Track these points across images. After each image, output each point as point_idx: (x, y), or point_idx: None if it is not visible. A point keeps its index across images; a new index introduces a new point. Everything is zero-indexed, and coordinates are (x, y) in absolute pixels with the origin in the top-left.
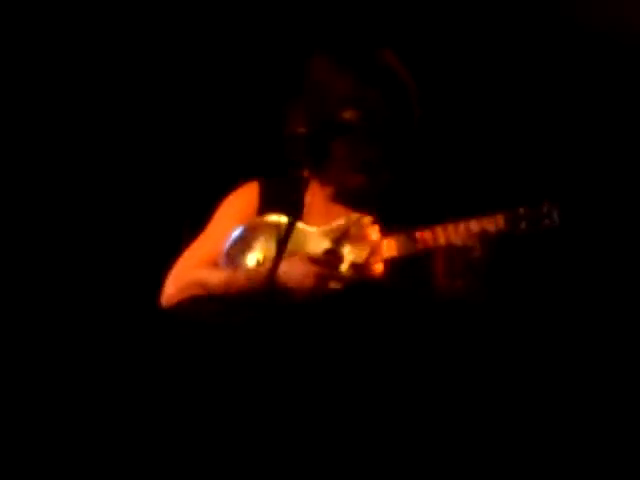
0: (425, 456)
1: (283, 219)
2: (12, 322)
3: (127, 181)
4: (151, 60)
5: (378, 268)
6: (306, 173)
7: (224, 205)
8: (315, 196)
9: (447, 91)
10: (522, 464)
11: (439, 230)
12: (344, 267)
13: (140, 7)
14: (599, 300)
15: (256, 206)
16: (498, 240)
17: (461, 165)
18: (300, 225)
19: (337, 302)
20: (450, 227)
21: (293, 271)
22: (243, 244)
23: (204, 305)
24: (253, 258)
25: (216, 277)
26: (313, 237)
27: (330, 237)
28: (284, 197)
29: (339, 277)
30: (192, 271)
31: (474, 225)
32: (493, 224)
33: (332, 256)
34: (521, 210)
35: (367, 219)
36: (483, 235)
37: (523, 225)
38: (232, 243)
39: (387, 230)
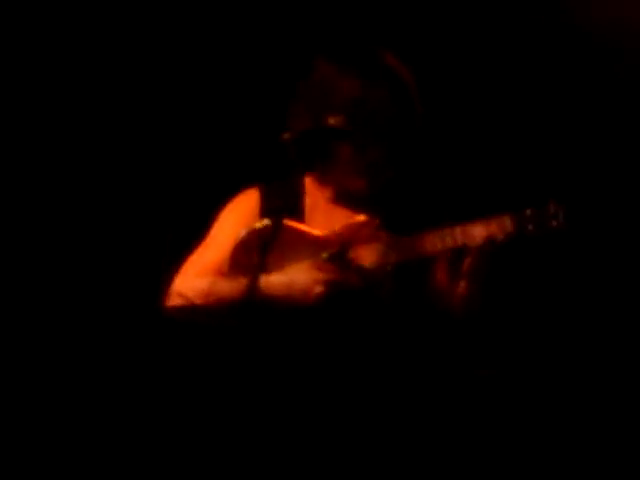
0: (416, 459)
1: (287, 222)
2: (9, 322)
3: (127, 186)
4: (150, 65)
5: (384, 273)
6: (305, 176)
7: (225, 212)
8: (317, 199)
9: (451, 92)
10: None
11: (445, 233)
12: (351, 272)
13: (141, 8)
14: (605, 303)
15: (257, 213)
16: (504, 242)
17: (465, 166)
18: (304, 229)
19: (345, 308)
20: (457, 229)
21: (300, 278)
22: (248, 250)
23: (205, 314)
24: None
25: (218, 288)
26: (317, 241)
27: (335, 241)
28: (284, 202)
29: (347, 283)
30: (196, 280)
31: (481, 227)
32: (500, 226)
33: (338, 261)
34: (528, 211)
35: (373, 222)
36: (490, 237)
37: (530, 227)
38: (237, 249)
39: (392, 233)
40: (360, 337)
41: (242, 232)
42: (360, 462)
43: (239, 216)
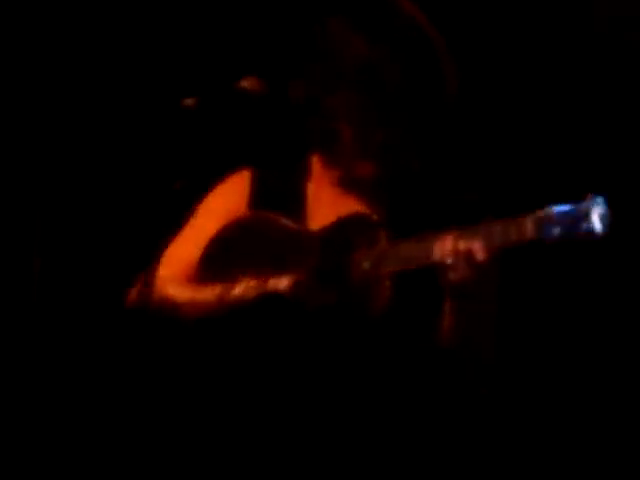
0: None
1: (274, 216)
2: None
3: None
4: (131, 28)
5: (384, 282)
6: (311, 157)
7: (208, 199)
8: (321, 185)
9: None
10: None
11: (455, 236)
12: (344, 278)
13: None
14: None
15: (246, 201)
16: (523, 250)
17: (489, 156)
18: (289, 223)
19: (334, 323)
20: (468, 232)
21: (281, 282)
22: (223, 249)
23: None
24: (235, 268)
25: (190, 298)
26: (310, 240)
27: (329, 240)
28: (281, 189)
29: (337, 291)
30: (167, 282)
31: (497, 230)
32: (519, 229)
33: (329, 264)
34: (553, 211)
35: (374, 220)
36: (504, 245)
37: (555, 230)
38: (212, 247)
39: (397, 235)
40: (350, 355)
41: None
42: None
43: (224, 204)
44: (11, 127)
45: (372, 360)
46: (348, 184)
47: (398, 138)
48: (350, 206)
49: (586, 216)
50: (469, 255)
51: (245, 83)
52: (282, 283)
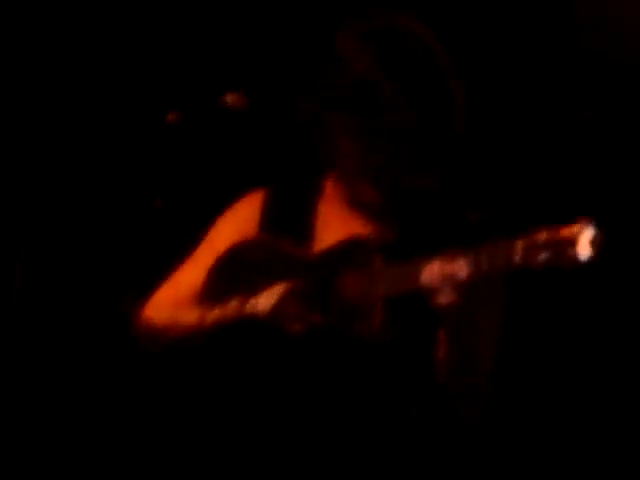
0: None
1: (278, 240)
2: None
3: (107, 185)
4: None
5: (375, 306)
6: (324, 177)
7: (220, 222)
8: (332, 204)
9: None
10: None
11: (442, 260)
12: (334, 304)
13: None
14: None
15: (257, 223)
16: (509, 276)
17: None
18: (287, 246)
19: (322, 349)
20: (456, 256)
21: (260, 303)
22: (224, 273)
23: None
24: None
25: (189, 320)
26: (306, 265)
27: (320, 263)
28: (292, 209)
29: (322, 314)
30: (173, 306)
31: (485, 254)
32: (505, 255)
33: (321, 289)
34: (540, 235)
35: (370, 243)
36: (491, 270)
37: (543, 256)
38: (214, 272)
39: (398, 257)
40: (338, 383)
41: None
42: None
43: (236, 228)
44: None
45: (361, 386)
46: (356, 204)
47: (399, 161)
48: (358, 226)
49: (575, 242)
50: (454, 277)
51: (229, 98)
52: (261, 304)
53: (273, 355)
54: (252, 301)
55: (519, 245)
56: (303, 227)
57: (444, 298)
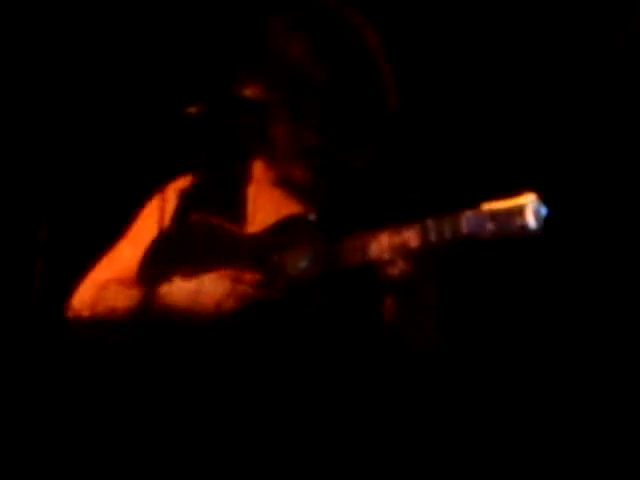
0: None
1: (215, 219)
2: None
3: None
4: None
5: (312, 284)
6: (251, 159)
7: (149, 205)
8: (262, 187)
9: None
10: None
11: (390, 232)
12: (278, 283)
13: None
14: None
15: (187, 206)
16: (457, 248)
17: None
18: (226, 225)
19: (261, 326)
20: (403, 228)
21: (209, 288)
22: (162, 253)
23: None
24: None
25: (127, 298)
26: (241, 242)
27: (265, 242)
28: (222, 192)
29: (265, 297)
30: (106, 287)
31: (432, 226)
32: (453, 226)
33: (264, 269)
34: (486, 207)
35: (310, 220)
36: (440, 241)
37: (490, 227)
38: (151, 252)
39: (334, 235)
40: (278, 361)
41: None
42: None
43: (163, 212)
44: (13, 131)
45: (309, 360)
46: (287, 185)
47: (334, 141)
48: (290, 208)
49: (520, 212)
50: (404, 249)
51: (248, 91)
52: (204, 286)
53: (218, 337)
54: (193, 283)
55: (465, 216)
56: (234, 210)
57: (395, 269)
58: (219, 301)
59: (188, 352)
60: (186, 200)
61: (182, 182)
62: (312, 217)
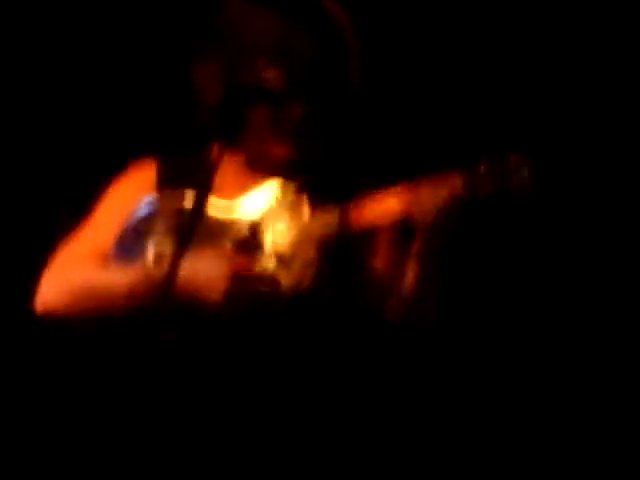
0: None
1: (188, 197)
2: None
3: None
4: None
5: (305, 258)
6: (217, 146)
7: (114, 187)
8: (227, 169)
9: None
10: None
11: (381, 199)
12: (268, 261)
13: None
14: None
15: (153, 187)
16: (454, 209)
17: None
18: (211, 206)
19: (257, 305)
20: (393, 195)
21: (200, 272)
22: (139, 233)
23: (93, 313)
24: (151, 251)
25: (108, 279)
26: (225, 221)
27: (247, 217)
28: (189, 174)
29: (260, 277)
30: (77, 270)
31: (425, 191)
32: (448, 188)
33: (250, 247)
34: (482, 167)
35: (291, 187)
36: (437, 203)
37: (486, 187)
38: (126, 231)
39: (317, 204)
40: (274, 341)
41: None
42: None
43: (132, 190)
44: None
45: (298, 339)
46: (258, 166)
47: (311, 119)
48: (257, 190)
49: (515, 171)
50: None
51: (268, 75)
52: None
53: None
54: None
55: (460, 176)
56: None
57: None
58: (214, 282)
59: (188, 338)
60: (151, 183)
61: (145, 165)
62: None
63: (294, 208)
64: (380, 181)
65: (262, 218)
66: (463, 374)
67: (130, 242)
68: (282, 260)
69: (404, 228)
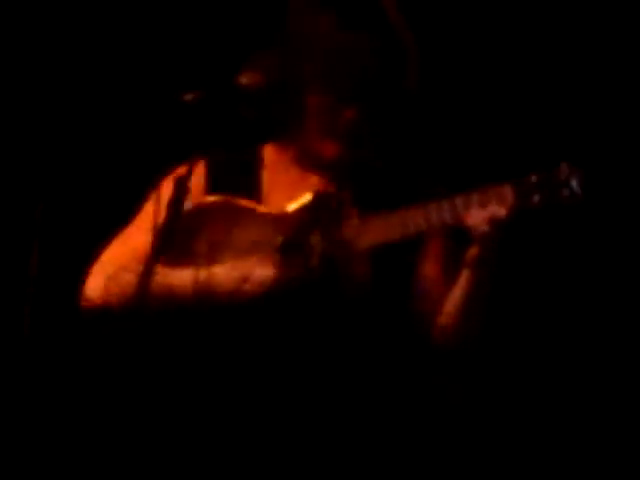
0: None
1: (236, 199)
2: None
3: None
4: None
5: (357, 263)
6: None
7: (162, 187)
8: (276, 171)
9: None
10: None
11: (431, 208)
12: (312, 262)
13: None
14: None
15: (202, 188)
16: (505, 219)
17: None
18: (254, 206)
19: (305, 308)
20: (445, 203)
21: (254, 273)
22: (186, 232)
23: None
24: (202, 249)
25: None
26: (272, 221)
27: (294, 221)
28: (236, 177)
29: (303, 278)
30: (123, 268)
31: (476, 200)
32: (499, 198)
33: (296, 249)
34: (533, 178)
35: (342, 197)
36: (487, 213)
37: (536, 198)
38: (167, 237)
39: (367, 212)
40: (323, 342)
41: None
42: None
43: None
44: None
45: (350, 342)
46: (308, 164)
47: (365, 120)
48: (307, 190)
49: (566, 182)
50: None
51: (244, 79)
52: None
53: (264, 320)
54: (237, 269)
55: (510, 187)
56: (250, 193)
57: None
58: (265, 287)
59: (232, 339)
60: (200, 183)
61: (195, 164)
62: (344, 195)
63: (343, 213)
64: (433, 189)
65: (312, 221)
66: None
67: (176, 243)
68: (332, 267)
69: (456, 237)
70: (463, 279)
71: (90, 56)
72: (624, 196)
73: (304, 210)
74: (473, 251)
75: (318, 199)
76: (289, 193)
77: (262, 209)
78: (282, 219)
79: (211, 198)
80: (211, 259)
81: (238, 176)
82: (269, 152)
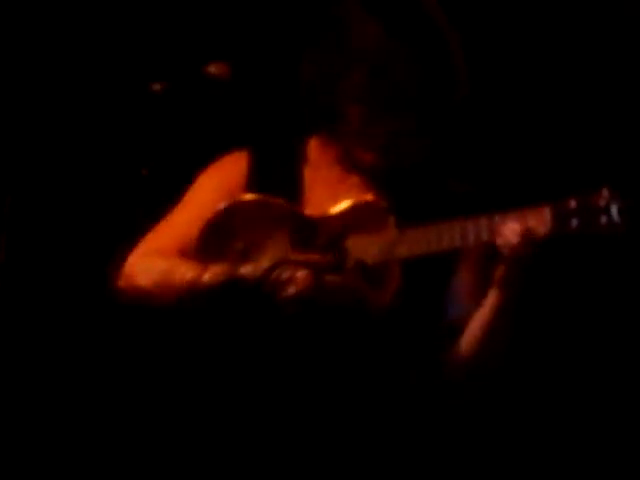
0: None
1: (274, 199)
2: None
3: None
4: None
5: (392, 271)
6: (308, 139)
7: (203, 177)
8: (318, 169)
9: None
10: None
11: (468, 225)
12: (347, 267)
13: None
14: None
15: (243, 182)
16: (539, 240)
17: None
18: (292, 206)
19: (337, 313)
20: (483, 221)
21: (276, 274)
22: (222, 230)
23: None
24: (238, 248)
25: (182, 272)
26: (307, 226)
27: (330, 227)
28: (279, 171)
29: (338, 284)
30: (158, 258)
31: (513, 219)
32: (537, 220)
33: (332, 254)
34: (572, 202)
35: (381, 204)
36: (524, 234)
37: (574, 222)
38: (210, 227)
39: (404, 222)
40: (351, 349)
41: (220, 206)
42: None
43: (220, 184)
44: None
45: (377, 350)
46: (347, 167)
47: (404, 128)
48: (347, 190)
49: (606, 209)
50: (523, 237)
51: (212, 68)
52: (253, 270)
53: (263, 323)
54: (249, 266)
55: (548, 210)
56: (291, 189)
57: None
58: (284, 288)
59: (258, 338)
60: (241, 176)
61: (237, 157)
62: (384, 203)
63: (380, 221)
64: (471, 207)
65: (349, 226)
66: None
67: (213, 238)
68: (366, 274)
69: (489, 255)
70: (490, 298)
71: (58, 48)
72: None
73: (342, 215)
74: (502, 270)
75: (356, 205)
76: (330, 191)
77: (299, 210)
78: (319, 222)
79: (248, 196)
80: (246, 258)
81: (280, 171)
82: (313, 149)
